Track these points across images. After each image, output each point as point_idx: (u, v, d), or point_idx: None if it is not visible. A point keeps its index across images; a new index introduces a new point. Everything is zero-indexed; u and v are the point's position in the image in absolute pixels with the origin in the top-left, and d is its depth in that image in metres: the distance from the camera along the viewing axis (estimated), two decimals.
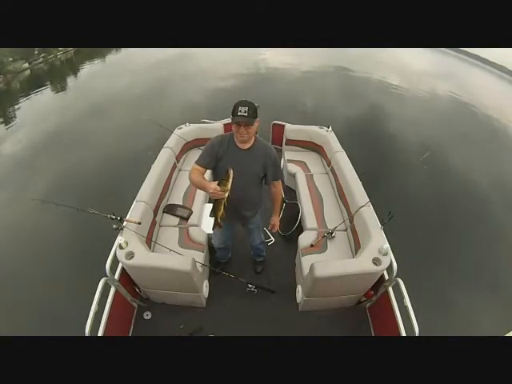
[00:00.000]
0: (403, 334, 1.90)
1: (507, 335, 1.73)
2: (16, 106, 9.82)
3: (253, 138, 1.78)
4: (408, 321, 1.85)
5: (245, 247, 2.81)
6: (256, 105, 4.27)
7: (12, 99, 10.70)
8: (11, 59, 14.84)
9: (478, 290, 3.72)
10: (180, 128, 3.57)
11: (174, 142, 3.31)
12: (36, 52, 16.54)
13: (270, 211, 2.14)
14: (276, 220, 2.11)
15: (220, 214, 1.73)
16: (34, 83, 12.88)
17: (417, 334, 1.78)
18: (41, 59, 16.60)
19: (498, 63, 22.70)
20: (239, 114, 1.60)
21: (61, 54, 17.85)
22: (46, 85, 11.90)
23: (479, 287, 3.75)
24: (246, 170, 1.79)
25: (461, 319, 3.36)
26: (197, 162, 1.82)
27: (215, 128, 3.68)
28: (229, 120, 3.94)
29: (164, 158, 3.04)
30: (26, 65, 15.51)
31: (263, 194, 2.06)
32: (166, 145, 3.24)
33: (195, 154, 3.56)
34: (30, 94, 10.83)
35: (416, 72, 15.03)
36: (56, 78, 13.65)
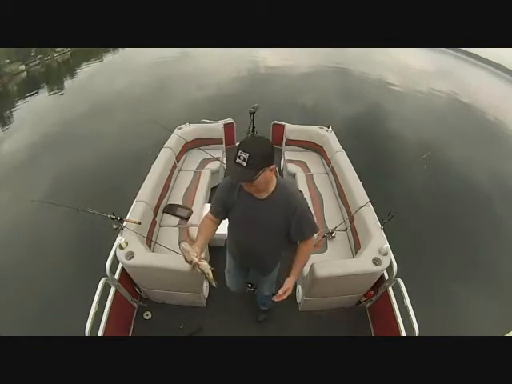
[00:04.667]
0: (403, 333, 1.90)
1: (507, 335, 1.73)
2: (14, 108, 9.84)
3: (272, 185, 1.31)
4: (408, 321, 1.85)
5: None
6: (256, 105, 4.18)
7: (9, 101, 10.73)
8: (8, 61, 14.86)
9: (479, 289, 3.72)
10: (180, 128, 3.57)
11: (174, 142, 3.31)
12: (32, 54, 16.56)
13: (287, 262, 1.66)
14: (290, 284, 1.51)
15: (209, 277, 1.43)
16: (31, 85, 12.91)
17: (417, 333, 1.78)
18: (37, 61, 16.61)
19: (495, 61, 22.80)
20: (237, 161, 1.13)
21: (57, 55, 17.85)
22: (43, 86, 11.95)
23: (479, 287, 3.75)
24: (263, 225, 1.39)
25: (461, 319, 3.36)
26: (209, 209, 1.53)
27: (215, 128, 3.68)
28: (229, 120, 3.94)
29: (164, 157, 3.04)
30: (23, 67, 15.54)
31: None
32: (166, 145, 3.24)
33: (195, 154, 3.61)
34: (27, 96, 10.86)
35: (414, 71, 15.05)
36: (54, 79, 13.69)
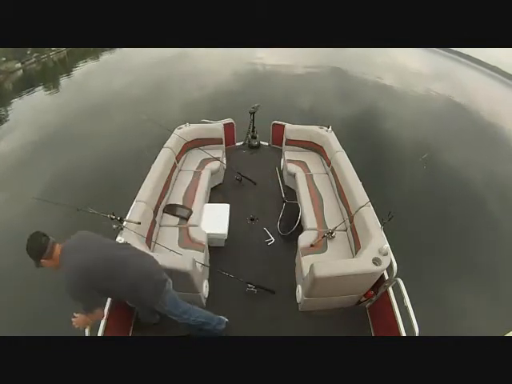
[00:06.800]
0: (403, 333, 1.89)
1: (507, 335, 1.73)
2: (10, 107, 9.84)
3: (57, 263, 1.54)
4: (408, 321, 1.85)
5: (245, 246, 2.81)
6: (256, 105, 4.24)
7: (5, 99, 10.72)
8: (4, 59, 14.85)
9: (479, 289, 3.72)
10: (180, 128, 3.57)
11: (174, 142, 3.31)
12: (28, 52, 16.49)
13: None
14: (80, 317, 1.61)
15: None
16: (27, 83, 12.87)
17: (417, 333, 1.77)
18: (33, 59, 16.57)
19: (490, 63, 22.89)
20: None
21: (53, 54, 17.79)
22: (39, 85, 11.92)
23: (479, 287, 3.75)
24: None
25: (461, 319, 3.36)
26: None
27: (215, 128, 3.68)
28: (229, 120, 3.94)
29: (164, 157, 3.04)
30: (19, 65, 15.51)
31: None
32: (165, 145, 3.24)
33: (195, 154, 3.61)
34: (23, 95, 10.86)
35: (412, 72, 15.08)
36: (50, 77, 13.64)
